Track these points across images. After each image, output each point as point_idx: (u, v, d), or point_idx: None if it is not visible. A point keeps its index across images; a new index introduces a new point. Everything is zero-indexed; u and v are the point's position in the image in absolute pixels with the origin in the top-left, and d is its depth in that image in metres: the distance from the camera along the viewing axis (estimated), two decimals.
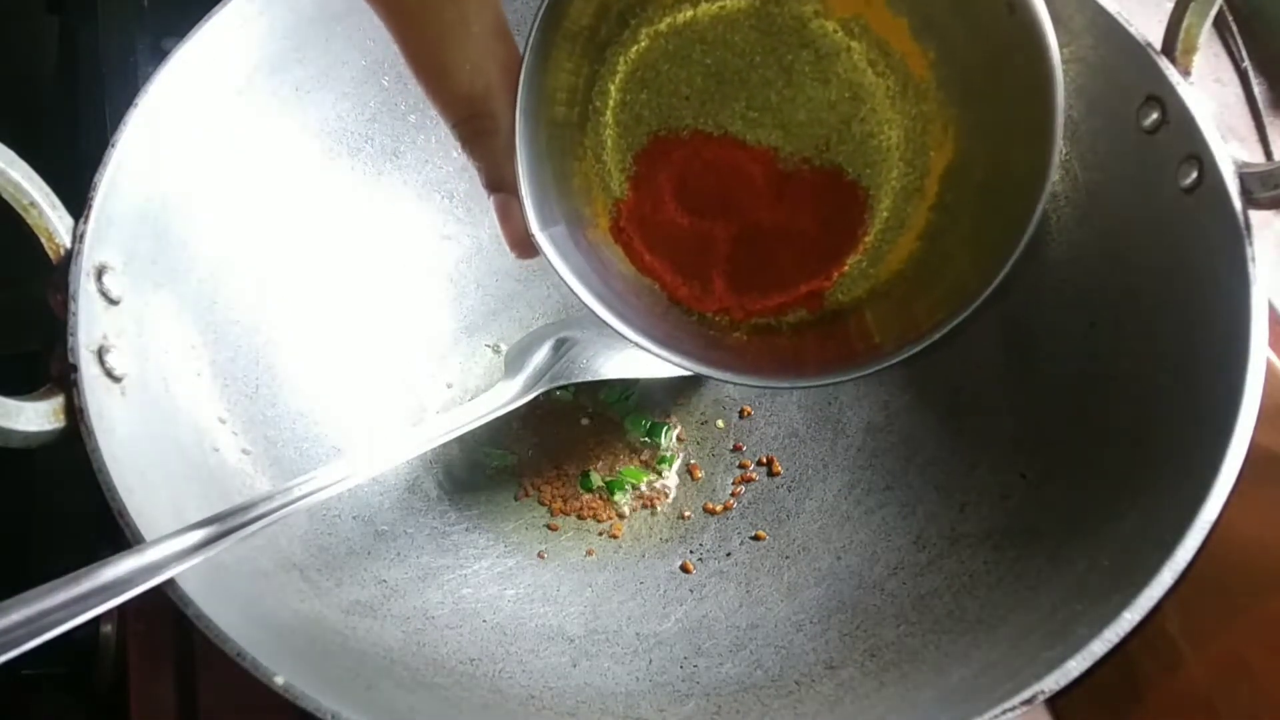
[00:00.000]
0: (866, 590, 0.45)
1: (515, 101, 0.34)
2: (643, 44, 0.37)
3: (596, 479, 0.51)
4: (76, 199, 0.39)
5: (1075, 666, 0.33)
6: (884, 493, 0.48)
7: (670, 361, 0.36)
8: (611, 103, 0.37)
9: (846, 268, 0.38)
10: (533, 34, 0.34)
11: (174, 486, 0.39)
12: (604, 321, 0.35)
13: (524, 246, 0.36)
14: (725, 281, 0.38)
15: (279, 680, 0.32)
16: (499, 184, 0.35)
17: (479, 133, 0.35)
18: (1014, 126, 0.35)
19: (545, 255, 0.35)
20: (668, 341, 0.36)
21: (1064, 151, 0.45)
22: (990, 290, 0.35)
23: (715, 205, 0.38)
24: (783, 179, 0.38)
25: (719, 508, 0.50)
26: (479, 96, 0.34)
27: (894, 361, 0.36)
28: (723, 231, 0.38)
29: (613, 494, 0.50)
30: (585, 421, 0.53)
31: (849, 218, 0.38)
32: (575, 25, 0.35)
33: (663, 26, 0.37)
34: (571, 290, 0.35)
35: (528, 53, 0.34)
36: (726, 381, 0.36)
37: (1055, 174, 0.35)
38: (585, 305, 0.35)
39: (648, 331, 0.36)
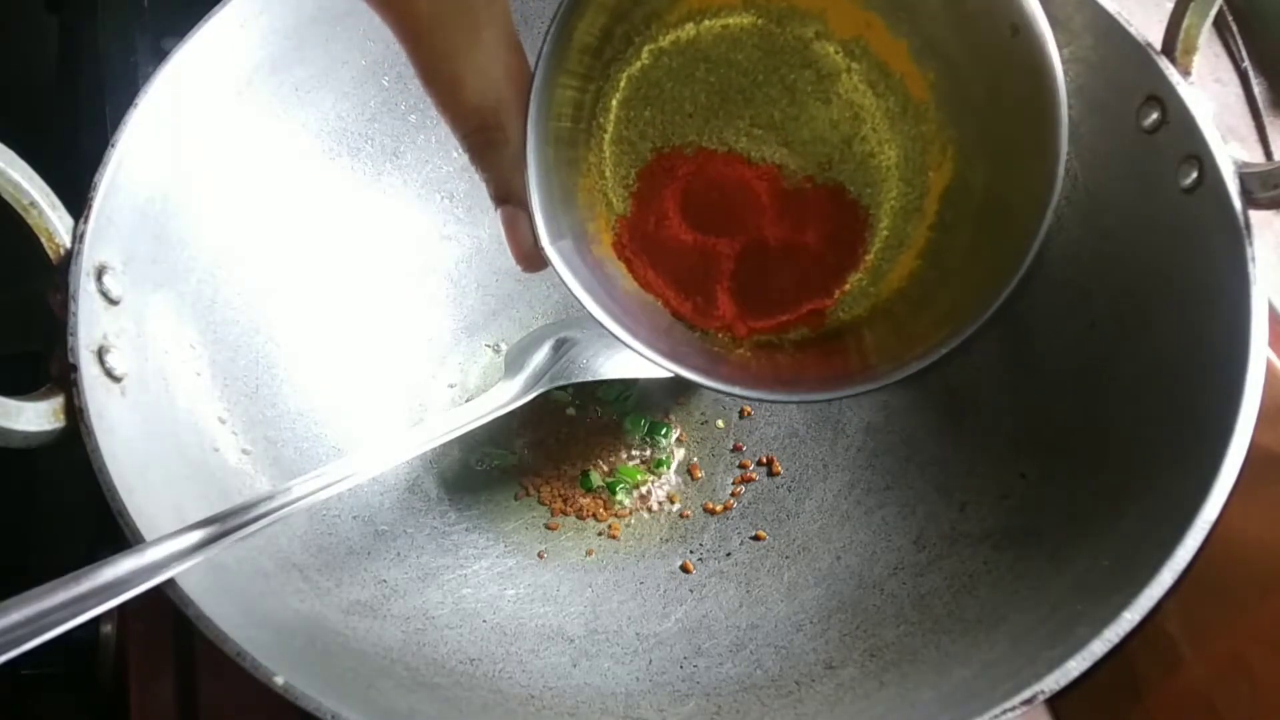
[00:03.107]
0: (866, 590, 0.45)
1: (525, 114, 0.34)
2: (646, 61, 0.37)
3: (596, 479, 0.51)
4: (76, 199, 0.39)
5: (1075, 666, 0.33)
6: (884, 493, 0.48)
7: (676, 374, 0.36)
8: (614, 119, 0.37)
9: (848, 286, 0.38)
10: (544, 48, 0.34)
11: (174, 486, 0.39)
12: (612, 334, 0.35)
13: (530, 260, 0.36)
14: (729, 298, 0.38)
15: (279, 680, 0.32)
16: (507, 196, 0.35)
17: (489, 144, 0.35)
18: (1015, 149, 0.36)
19: (554, 268, 0.35)
20: (673, 355, 0.36)
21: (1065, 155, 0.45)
22: (988, 314, 0.35)
23: (719, 221, 0.38)
24: (787, 196, 0.38)
25: (719, 508, 0.50)
26: (489, 109, 0.34)
27: (893, 380, 0.36)
28: (727, 248, 0.38)
29: (613, 494, 0.50)
30: (585, 421, 0.53)
31: (851, 236, 0.38)
32: (583, 42, 0.35)
33: (665, 44, 0.37)
34: (580, 303, 0.35)
35: (539, 66, 0.34)
36: (730, 395, 0.36)
37: (1056, 199, 0.34)
38: (593, 318, 0.35)
39: (653, 345, 0.36)
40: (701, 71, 0.38)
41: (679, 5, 0.37)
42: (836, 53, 0.37)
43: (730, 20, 0.37)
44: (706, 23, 0.37)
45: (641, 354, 0.36)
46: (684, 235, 0.38)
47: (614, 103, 0.37)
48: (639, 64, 0.37)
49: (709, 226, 0.38)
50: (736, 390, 0.36)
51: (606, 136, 0.38)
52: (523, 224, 0.35)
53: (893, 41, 0.37)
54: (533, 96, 0.34)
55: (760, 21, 0.37)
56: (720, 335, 0.38)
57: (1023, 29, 0.34)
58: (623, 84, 0.37)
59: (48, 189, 0.39)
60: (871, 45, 0.37)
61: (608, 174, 0.38)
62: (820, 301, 0.38)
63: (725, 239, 0.38)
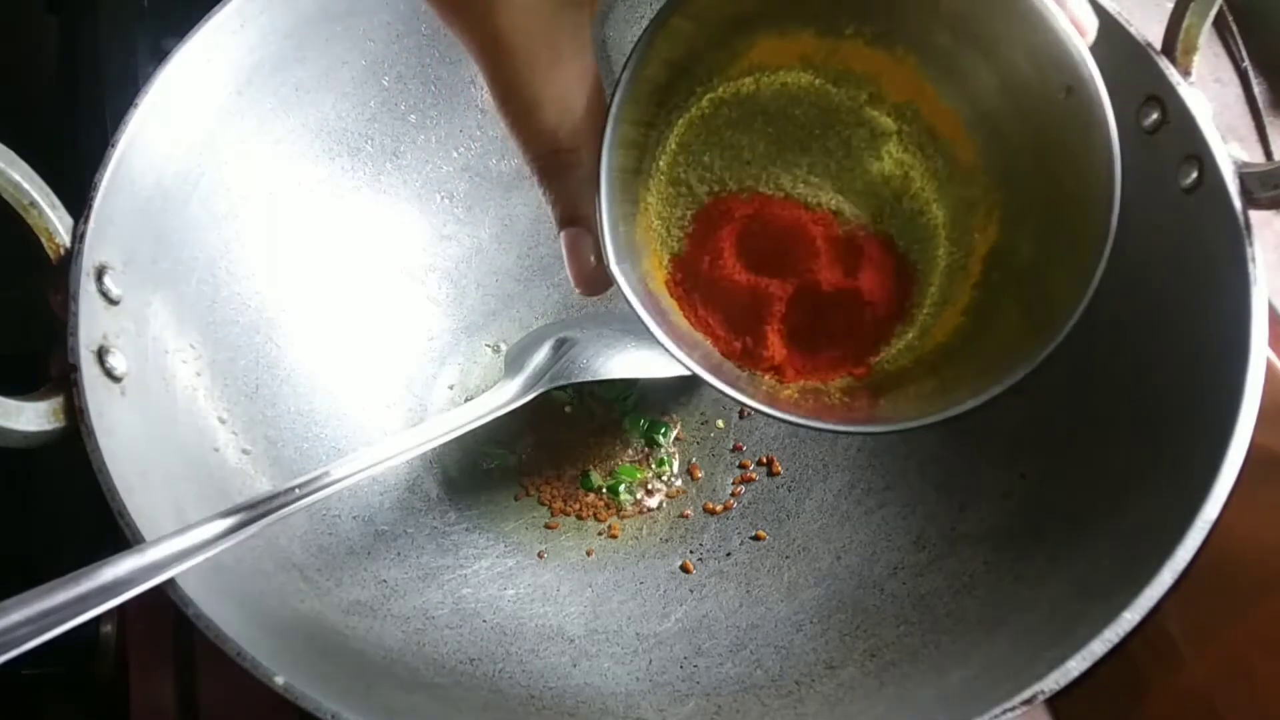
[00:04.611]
0: (866, 590, 0.45)
1: (599, 138, 0.34)
2: (706, 109, 0.38)
3: (597, 478, 0.51)
4: (76, 199, 0.39)
5: (1075, 666, 0.33)
6: (884, 493, 0.48)
7: (738, 400, 0.36)
8: (672, 161, 0.38)
9: (895, 340, 0.39)
10: (622, 79, 0.34)
11: (174, 486, 0.39)
12: (671, 354, 0.36)
13: (591, 282, 0.36)
14: (779, 341, 0.38)
15: (279, 680, 0.32)
16: (573, 219, 0.36)
17: (561, 168, 0.35)
18: (1064, 209, 0.36)
19: (621, 288, 0.35)
20: (733, 384, 0.36)
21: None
22: (1034, 365, 0.35)
23: (774, 263, 0.39)
24: (841, 242, 0.39)
25: (719, 508, 0.50)
26: (565, 133, 0.34)
27: (937, 421, 0.36)
28: (780, 290, 0.38)
29: (613, 494, 0.50)
30: (585, 421, 0.53)
31: (900, 288, 0.39)
32: (651, 86, 0.36)
33: (726, 95, 0.38)
34: (644, 324, 0.35)
35: (618, 92, 0.34)
36: (789, 422, 0.36)
37: (1108, 253, 0.34)
38: (657, 340, 0.35)
39: (711, 370, 0.36)
40: (760, 123, 0.38)
41: (739, 61, 0.37)
42: (889, 115, 0.38)
43: (789, 78, 0.38)
44: (766, 78, 0.38)
45: (701, 376, 0.36)
46: (737, 276, 0.38)
47: (673, 145, 0.38)
48: (699, 111, 0.38)
49: (763, 268, 0.38)
50: (794, 418, 0.36)
51: (665, 178, 0.38)
52: (586, 246, 0.36)
53: (943, 108, 0.37)
54: (610, 120, 0.34)
55: (818, 81, 0.38)
56: (767, 378, 0.39)
57: (1077, 89, 0.34)
58: (682, 128, 0.38)
59: (48, 189, 0.39)
60: (923, 111, 0.38)
61: (664, 214, 0.39)
62: (867, 355, 0.39)
63: (779, 281, 0.38)
